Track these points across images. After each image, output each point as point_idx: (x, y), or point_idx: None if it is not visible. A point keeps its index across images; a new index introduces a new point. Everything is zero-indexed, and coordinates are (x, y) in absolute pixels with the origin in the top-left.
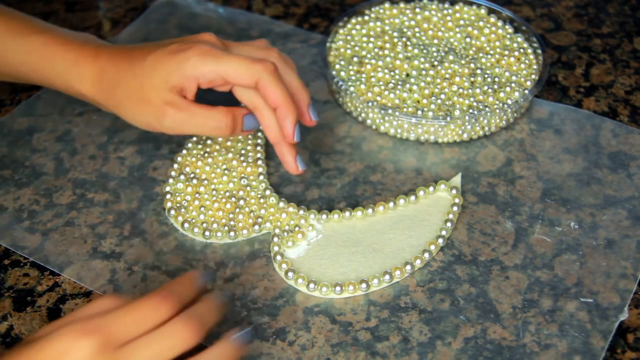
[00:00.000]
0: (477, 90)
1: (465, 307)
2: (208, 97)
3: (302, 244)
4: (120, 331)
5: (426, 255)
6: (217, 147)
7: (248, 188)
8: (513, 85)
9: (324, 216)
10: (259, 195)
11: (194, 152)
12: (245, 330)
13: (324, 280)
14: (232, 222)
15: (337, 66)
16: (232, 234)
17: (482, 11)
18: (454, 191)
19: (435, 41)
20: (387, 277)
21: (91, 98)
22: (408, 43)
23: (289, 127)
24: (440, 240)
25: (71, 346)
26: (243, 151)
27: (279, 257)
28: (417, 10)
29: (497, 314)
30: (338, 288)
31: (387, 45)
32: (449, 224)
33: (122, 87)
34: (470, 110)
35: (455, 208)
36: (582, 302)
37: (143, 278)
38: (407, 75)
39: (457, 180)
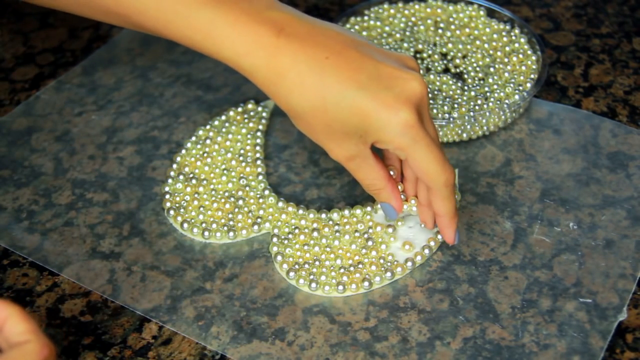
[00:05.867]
0: (477, 90)
1: (464, 307)
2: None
3: None
4: None
5: (426, 251)
6: (216, 147)
7: (247, 188)
8: (512, 85)
9: (324, 215)
10: (258, 195)
11: (193, 152)
12: None
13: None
14: (231, 222)
15: None
16: (231, 234)
17: (482, 11)
18: None
19: (437, 39)
20: (388, 274)
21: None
22: (407, 43)
23: (450, 235)
24: (440, 237)
25: None
26: (242, 151)
27: (279, 257)
28: (417, 7)
29: (496, 314)
30: (340, 287)
31: (386, 46)
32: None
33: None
34: (470, 111)
35: None
36: (581, 302)
37: (142, 278)
38: None
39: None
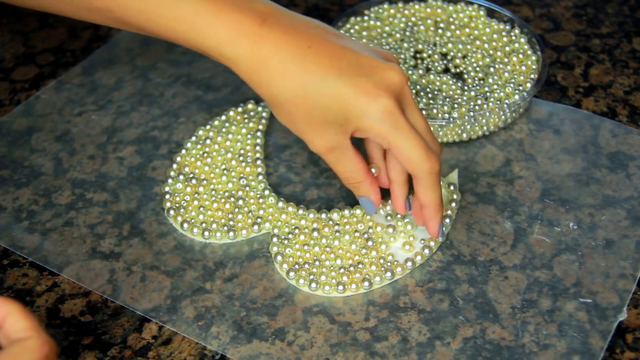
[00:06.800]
0: (477, 90)
1: (464, 307)
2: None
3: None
4: None
5: (426, 251)
6: (216, 147)
7: (247, 188)
8: (512, 85)
9: (324, 215)
10: (258, 195)
11: (193, 152)
12: None
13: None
14: (231, 222)
15: None
16: (231, 234)
17: (482, 11)
18: (451, 187)
19: (437, 39)
20: (388, 274)
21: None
22: (407, 43)
23: (434, 227)
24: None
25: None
26: (242, 151)
27: (279, 257)
28: (417, 7)
29: (496, 314)
30: (340, 287)
31: (386, 46)
32: (447, 220)
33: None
34: (470, 111)
35: (453, 204)
36: (581, 302)
37: (142, 278)
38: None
39: (454, 176)
